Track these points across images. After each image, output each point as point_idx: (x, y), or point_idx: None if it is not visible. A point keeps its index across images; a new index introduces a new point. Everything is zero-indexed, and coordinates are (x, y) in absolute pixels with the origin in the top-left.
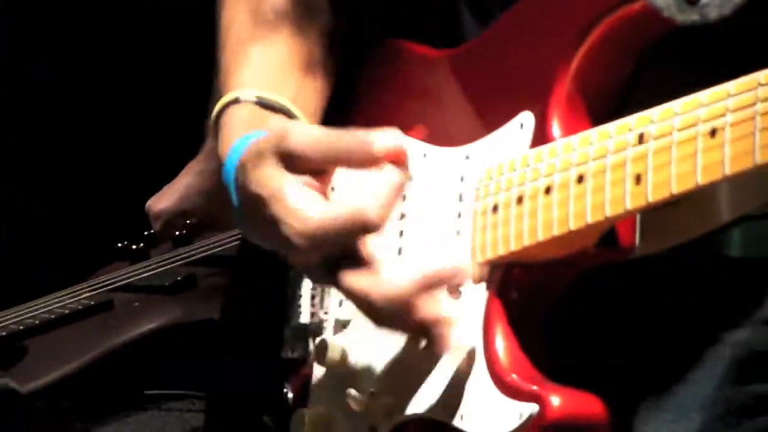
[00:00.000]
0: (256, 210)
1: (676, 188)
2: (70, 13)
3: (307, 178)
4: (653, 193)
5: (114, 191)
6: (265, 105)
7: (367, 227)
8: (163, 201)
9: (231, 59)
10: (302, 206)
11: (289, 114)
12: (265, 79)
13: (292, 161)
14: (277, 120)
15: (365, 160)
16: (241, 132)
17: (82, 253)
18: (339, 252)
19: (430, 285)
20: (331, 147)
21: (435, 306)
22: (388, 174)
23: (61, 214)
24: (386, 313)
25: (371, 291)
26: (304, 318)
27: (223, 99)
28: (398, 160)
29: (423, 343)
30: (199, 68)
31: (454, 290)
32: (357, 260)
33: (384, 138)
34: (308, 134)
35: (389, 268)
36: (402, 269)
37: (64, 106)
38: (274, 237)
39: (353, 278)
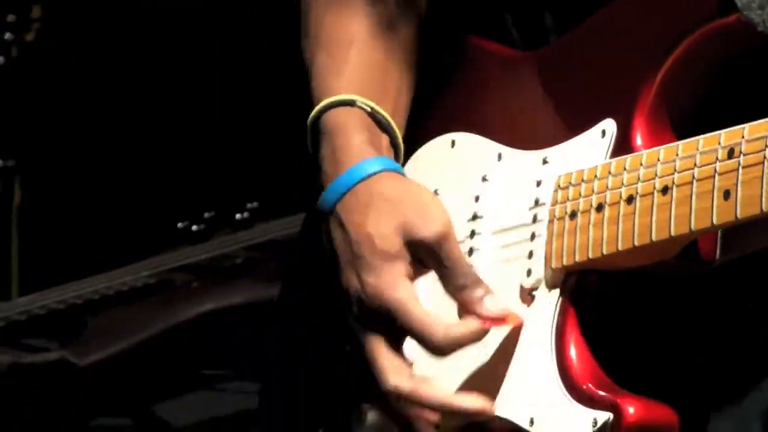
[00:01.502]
0: (352, 240)
1: (766, 205)
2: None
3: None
4: (742, 209)
5: (177, 169)
6: (376, 119)
7: (428, 342)
8: None
9: (329, 59)
10: (395, 277)
11: (391, 135)
12: (369, 85)
13: (413, 246)
14: (387, 143)
15: (465, 302)
16: (367, 143)
17: (143, 229)
18: (386, 327)
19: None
20: (456, 272)
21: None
22: (473, 323)
23: (125, 189)
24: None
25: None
26: None
27: (334, 97)
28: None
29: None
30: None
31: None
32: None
33: (492, 306)
34: (449, 242)
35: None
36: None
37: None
38: (347, 265)
39: (384, 355)
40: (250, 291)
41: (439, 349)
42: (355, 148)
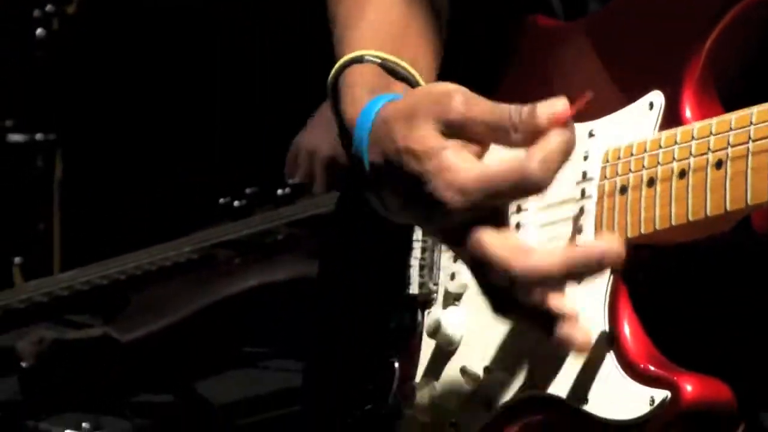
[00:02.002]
0: (398, 165)
1: None
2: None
3: (465, 143)
4: None
5: (221, 143)
6: (388, 69)
7: (528, 185)
8: (316, 137)
9: (346, 15)
10: (461, 161)
11: (410, 81)
12: (383, 40)
13: (451, 129)
14: (402, 87)
15: (529, 135)
16: (370, 92)
17: (186, 205)
18: (487, 214)
19: (575, 270)
20: (494, 119)
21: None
22: (554, 133)
23: (168, 168)
24: (518, 288)
25: (514, 260)
26: (413, 288)
27: (344, 57)
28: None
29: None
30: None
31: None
32: (503, 226)
33: (549, 106)
34: (471, 103)
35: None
36: (551, 249)
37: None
38: (415, 195)
39: (497, 244)
40: (292, 267)
41: (541, 180)
42: (358, 100)
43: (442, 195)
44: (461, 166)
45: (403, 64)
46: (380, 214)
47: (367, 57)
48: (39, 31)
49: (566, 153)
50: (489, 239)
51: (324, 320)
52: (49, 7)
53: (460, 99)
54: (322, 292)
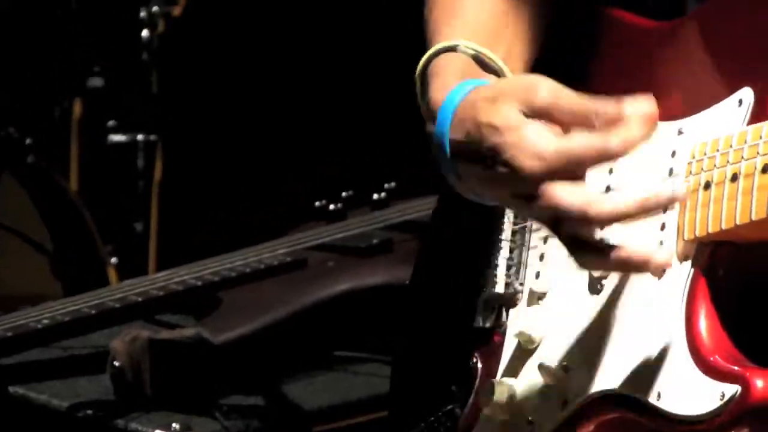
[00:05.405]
0: (478, 139)
1: None
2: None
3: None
4: None
5: (316, 150)
6: (480, 61)
7: (605, 155)
8: None
9: (443, 8)
10: (540, 134)
11: (501, 75)
12: (478, 32)
13: (535, 113)
14: (492, 79)
15: (612, 126)
16: (460, 78)
17: (281, 210)
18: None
19: (650, 207)
20: (579, 108)
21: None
22: (636, 119)
23: (264, 168)
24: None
25: (591, 206)
26: (499, 288)
27: (437, 45)
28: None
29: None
30: None
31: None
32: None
33: (637, 105)
34: (558, 92)
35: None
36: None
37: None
38: (493, 165)
39: (574, 194)
40: (385, 272)
41: (618, 153)
42: (447, 85)
43: (521, 162)
44: (541, 136)
45: (495, 58)
46: (459, 192)
47: (461, 46)
48: (144, 32)
49: (645, 138)
50: (564, 193)
51: (410, 321)
52: (155, 9)
53: (547, 87)
54: (410, 293)
